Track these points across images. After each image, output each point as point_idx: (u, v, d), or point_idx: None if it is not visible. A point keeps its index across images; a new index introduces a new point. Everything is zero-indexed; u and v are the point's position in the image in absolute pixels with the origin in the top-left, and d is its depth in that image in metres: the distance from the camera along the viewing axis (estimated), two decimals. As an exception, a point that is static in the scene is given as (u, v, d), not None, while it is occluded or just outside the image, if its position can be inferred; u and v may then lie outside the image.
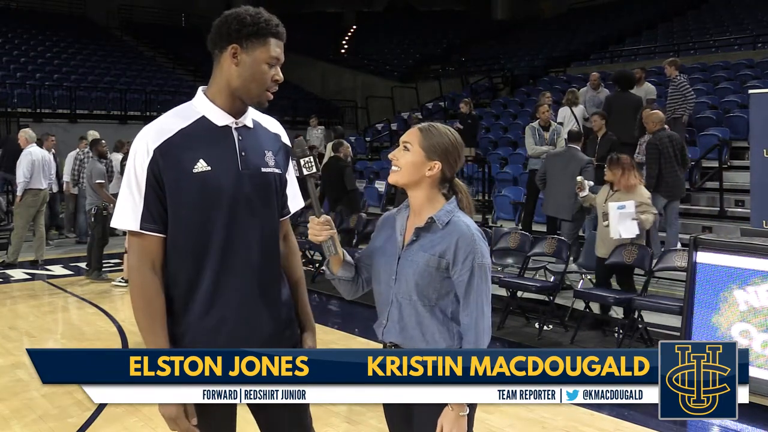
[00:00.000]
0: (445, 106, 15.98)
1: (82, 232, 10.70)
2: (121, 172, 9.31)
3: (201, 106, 1.97)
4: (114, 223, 1.97)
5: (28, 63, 17.67)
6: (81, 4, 23.13)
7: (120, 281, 7.91)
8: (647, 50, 15.90)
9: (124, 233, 2.08)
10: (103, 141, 9.13)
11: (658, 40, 16.90)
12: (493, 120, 14.02)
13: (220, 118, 1.96)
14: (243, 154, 1.96)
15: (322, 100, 20.87)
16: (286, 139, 2.12)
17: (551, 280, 6.61)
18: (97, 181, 8.21)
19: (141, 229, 1.91)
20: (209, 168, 1.90)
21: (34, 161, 8.91)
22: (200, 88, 2.01)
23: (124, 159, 9.64)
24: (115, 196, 9.23)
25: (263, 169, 1.98)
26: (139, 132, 1.95)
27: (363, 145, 15.60)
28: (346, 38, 25.55)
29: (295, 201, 2.13)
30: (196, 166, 1.89)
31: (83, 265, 8.90)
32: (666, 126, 7.33)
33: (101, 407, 4.23)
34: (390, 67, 21.97)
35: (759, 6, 16.04)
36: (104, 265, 8.47)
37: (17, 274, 8.71)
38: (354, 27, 26.36)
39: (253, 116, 2.05)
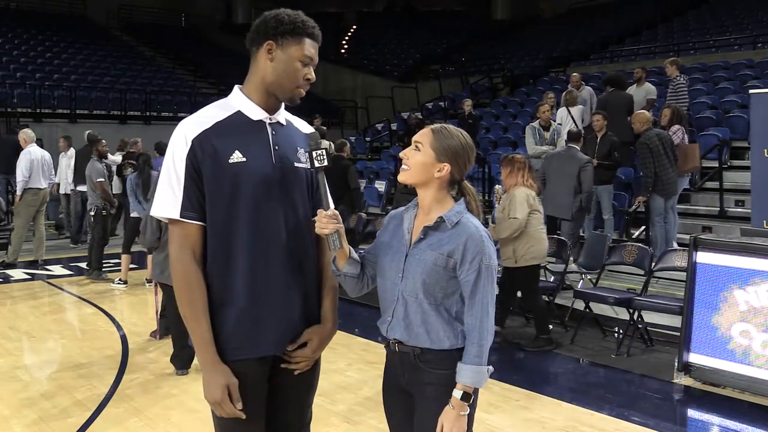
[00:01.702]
0: (445, 106, 15.98)
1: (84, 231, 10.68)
2: (118, 173, 9.30)
3: (237, 102, 2.04)
4: (154, 212, 2.00)
5: (28, 63, 17.65)
6: (81, 4, 23.15)
7: (118, 282, 7.91)
8: (647, 50, 15.89)
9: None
10: (104, 141, 9.12)
11: (658, 40, 16.90)
12: (493, 120, 14.02)
13: (255, 112, 2.02)
14: (276, 148, 2.02)
15: (323, 100, 20.86)
16: None
17: (551, 280, 6.61)
18: (98, 180, 8.20)
19: (181, 217, 1.94)
20: (244, 159, 1.95)
21: (33, 161, 8.93)
22: (236, 86, 2.08)
23: (125, 158, 9.62)
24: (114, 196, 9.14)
25: (296, 164, 2.05)
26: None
27: (363, 145, 15.60)
28: (346, 38, 25.56)
29: (330, 202, 2.14)
30: (231, 157, 1.94)
31: (83, 265, 8.90)
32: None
33: (101, 407, 4.24)
34: (390, 67, 21.98)
35: (759, 6, 16.04)
36: (104, 265, 8.47)
37: (17, 274, 8.72)
38: (354, 27, 26.36)
39: (286, 116, 2.12)
